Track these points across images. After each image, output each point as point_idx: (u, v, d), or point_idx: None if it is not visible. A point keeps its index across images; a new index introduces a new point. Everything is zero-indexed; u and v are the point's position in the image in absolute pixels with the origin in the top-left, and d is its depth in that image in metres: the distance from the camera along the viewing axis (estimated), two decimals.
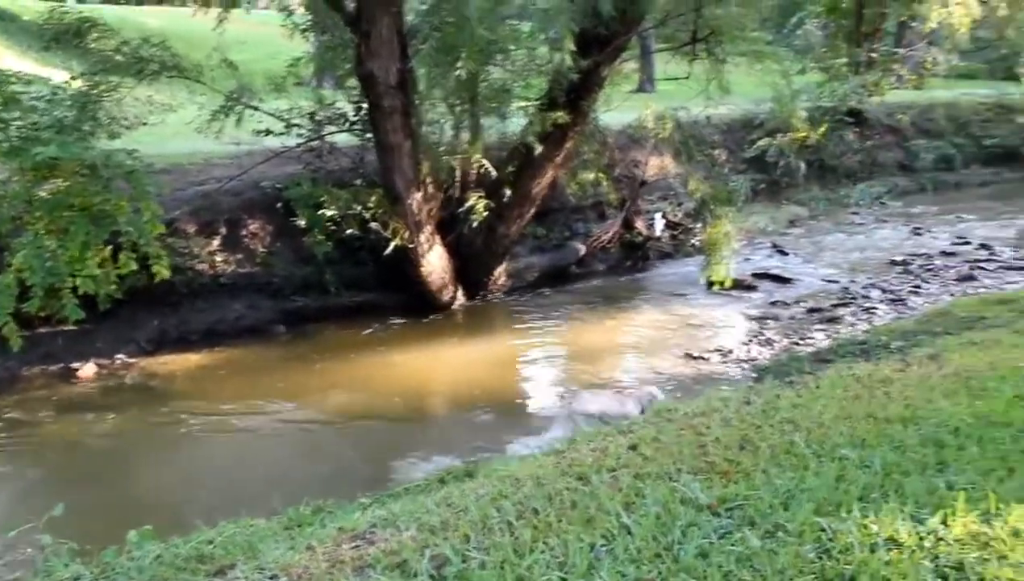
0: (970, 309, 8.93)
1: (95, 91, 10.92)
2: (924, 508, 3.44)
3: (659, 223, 15.69)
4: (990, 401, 4.62)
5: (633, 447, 4.38)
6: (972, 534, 3.25)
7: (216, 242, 11.94)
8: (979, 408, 4.52)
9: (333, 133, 12.88)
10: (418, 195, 11.39)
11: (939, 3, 20.32)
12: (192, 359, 10.97)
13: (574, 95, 11.75)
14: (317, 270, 12.21)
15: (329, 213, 11.58)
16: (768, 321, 12.08)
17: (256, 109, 12.36)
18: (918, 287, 13.54)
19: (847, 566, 3.02)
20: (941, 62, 27.83)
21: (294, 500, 5.61)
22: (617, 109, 14.17)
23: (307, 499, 5.59)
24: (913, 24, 25.36)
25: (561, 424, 8.55)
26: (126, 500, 7.60)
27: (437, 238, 11.98)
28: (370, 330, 11.89)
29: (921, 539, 3.21)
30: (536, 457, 4.65)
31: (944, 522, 3.33)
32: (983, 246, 16.45)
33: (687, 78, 13.37)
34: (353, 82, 12.11)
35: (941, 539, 3.22)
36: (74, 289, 9.82)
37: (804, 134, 20.12)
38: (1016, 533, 3.25)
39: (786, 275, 14.46)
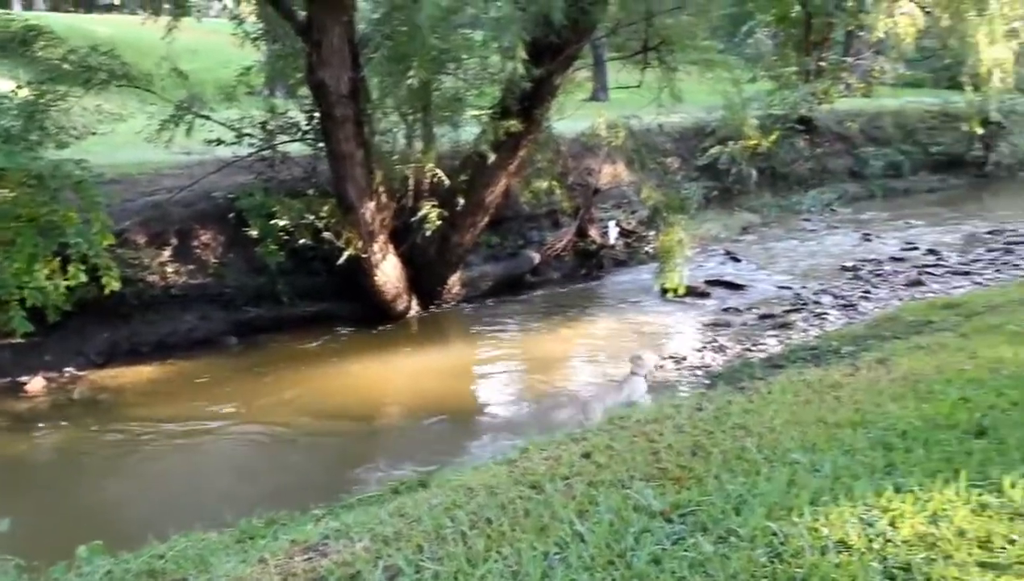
0: (918, 314, 9.04)
1: (42, 100, 10.78)
2: (873, 510, 3.47)
3: (613, 231, 15.75)
4: (936, 404, 4.68)
5: (586, 455, 4.38)
6: (919, 535, 3.28)
7: (167, 253, 11.83)
8: (926, 411, 4.57)
9: (285, 142, 12.81)
10: (371, 204, 11.36)
11: (885, 13, 20.60)
12: (143, 372, 10.85)
13: (527, 104, 11.77)
14: (270, 281, 12.14)
15: (282, 223, 11.53)
16: (721, 328, 12.16)
17: (207, 118, 12.26)
18: (868, 292, 13.70)
19: (798, 569, 3.03)
20: (888, 71, 28.24)
21: (247, 512, 5.56)
22: (570, 117, 14.25)
23: (260, 511, 5.55)
24: (860, 33, 25.71)
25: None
26: (75, 515, 7.49)
27: (391, 247, 11.94)
28: (324, 340, 11.83)
29: (870, 541, 3.24)
30: (489, 466, 4.64)
31: (892, 524, 3.36)
32: (931, 251, 16.70)
33: (639, 86, 13.47)
34: (305, 91, 12.07)
35: (889, 541, 3.24)
36: (22, 301, 9.69)
37: (755, 142, 20.30)
38: (961, 533, 3.29)
39: (739, 282, 14.57)
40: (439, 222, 11.80)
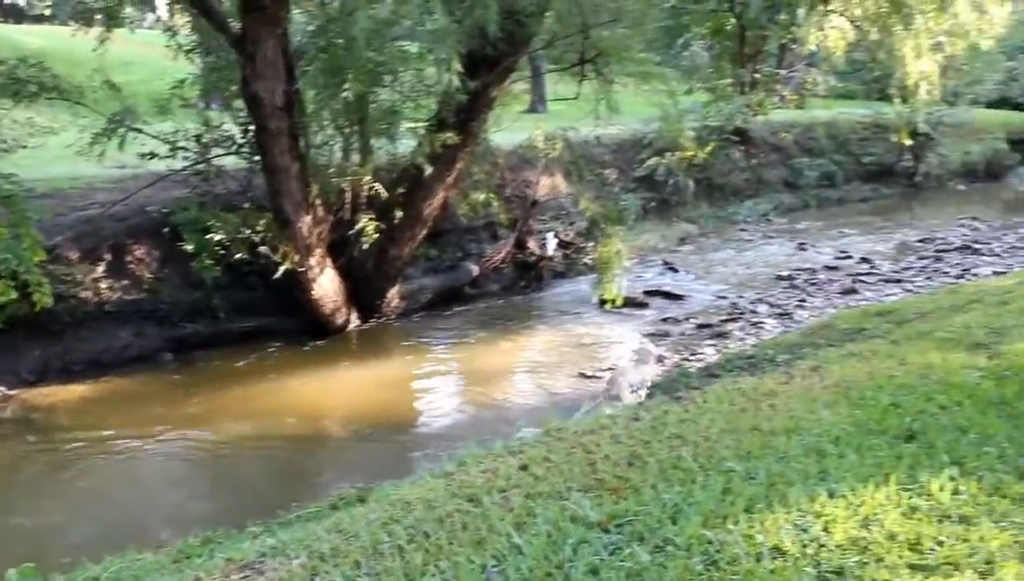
0: (852, 321, 9.17)
1: None
2: (807, 516, 3.51)
3: (551, 243, 15.80)
4: (868, 410, 4.75)
5: (524, 467, 4.38)
6: (852, 539, 3.33)
7: (100, 268, 11.62)
8: (858, 417, 4.64)
9: (220, 156, 12.66)
10: (307, 218, 11.28)
11: (816, 27, 20.96)
12: (77, 390, 10.64)
13: (464, 116, 11.80)
14: (206, 296, 11.99)
15: (217, 237, 11.39)
16: (660, 338, 12.24)
17: (140, 132, 12.09)
18: (803, 301, 13.89)
19: (734, 576, 3.06)
20: (820, 82, 28.71)
21: (183, 531, 5.49)
22: (509, 129, 14.29)
23: (196, 530, 5.47)
24: (793, 46, 26.10)
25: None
26: (6, 537, 7.32)
27: (328, 261, 11.86)
28: (262, 356, 11.70)
29: (804, 546, 3.28)
30: (427, 479, 4.62)
31: (826, 529, 3.41)
32: (864, 260, 17.00)
33: (576, 98, 13.56)
34: (240, 104, 11.94)
35: (823, 546, 3.29)
36: None
37: (692, 153, 20.53)
38: (892, 536, 3.34)
39: (677, 292, 14.69)
40: (377, 235, 11.76)
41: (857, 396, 5.05)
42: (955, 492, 3.71)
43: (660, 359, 10.29)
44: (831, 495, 3.70)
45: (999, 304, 8.04)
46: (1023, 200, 27.05)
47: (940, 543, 3.31)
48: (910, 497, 3.67)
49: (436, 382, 11.11)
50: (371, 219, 11.76)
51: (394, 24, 10.92)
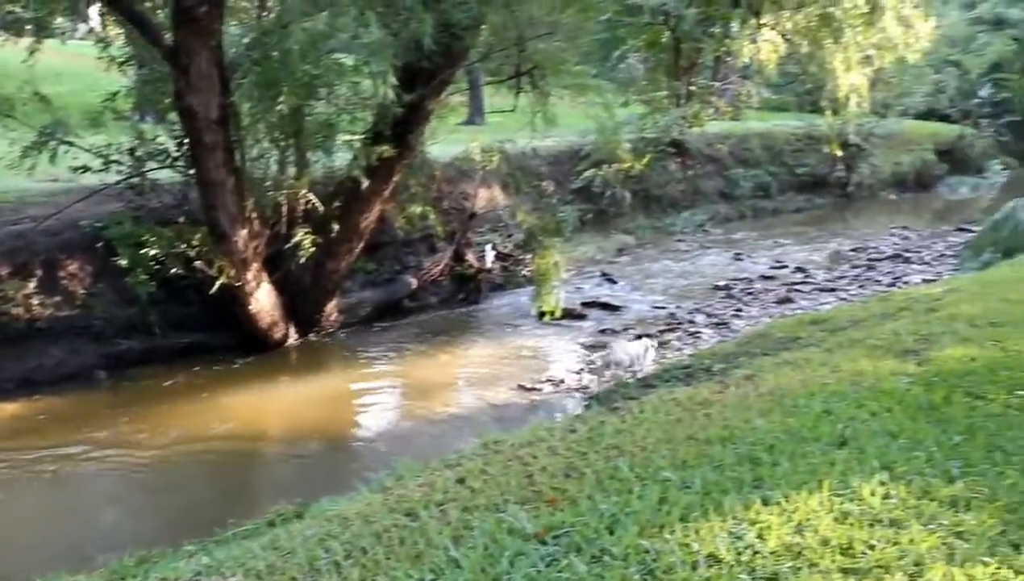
0: (787, 330, 9.28)
1: None
2: (742, 524, 3.55)
3: (489, 255, 15.81)
4: (801, 417, 4.82)
5: (461, 480, 4.39)
6: (786, 545, 3.38)
7: (32, 284, 11.37)
8: (791, 425, 4.71)
9: (155, 169, 12.47)
10: (243, 232, 11.16)
11: (749, 40, 21.25)
12: (7, 409, 10.40)
13: (400, 128, 11.77)
14: (141, 312, 11.78)
15: (152, 252, 11.23)
16: (599, 349, 12.28)
17: (72, 145, 11.86)
18: (740, 311, 14.05)
19: None
20: (754, 95, 29.10)
21: (118, 552, 5.40)
22: (446, 142, 14.31)
23: (131, 550, 5.39)
24: (728, 59, 26.43)
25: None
26: None
27: (265, 275, 11.75)
28: (198, 372, 11.53)
29: (739, 554, 3.32)
30: (364, 494, 4.61)
31: (760, 536, 3.45)
32: (799, 269, 17.26)
33: (513, 111, 13.60)
34: (175, 117, 11.78)
35: (758, 552, 3.33)
36: None
37: (629, 164, 20.67)
38: (825, 541, 3.40)
39: (615, 303, 14.77)
40: (313, 249, 11.69)
41: (790, 404, 5.12)
42: (885, 496, 3.78)
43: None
44: (765, 502, 3.75)
45: (928, 311, 8.19)
46: (952, 209, 27.62)
47: (871, 547, 3.37)
48: (842, 502, 3.74)
49: (375, 396, 11.07)
50: (308, 233, 11.68)
51: (330, 37, 10.87)
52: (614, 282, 16.43)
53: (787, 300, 14.61)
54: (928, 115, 34.78)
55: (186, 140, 11.40)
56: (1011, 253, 14.37)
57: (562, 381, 10.90)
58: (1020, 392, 5.26)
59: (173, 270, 11.32)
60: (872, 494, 3.78)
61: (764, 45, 21.05)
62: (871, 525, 3.54)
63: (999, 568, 3.21)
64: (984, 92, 36.26)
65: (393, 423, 10.11)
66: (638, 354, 9.89)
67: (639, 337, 11.61)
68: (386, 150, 11.61)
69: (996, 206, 19.20)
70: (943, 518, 3.58)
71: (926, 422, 4.72)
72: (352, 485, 7.37)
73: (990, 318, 7.34)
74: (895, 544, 3.38)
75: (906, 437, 4.48)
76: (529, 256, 15.02)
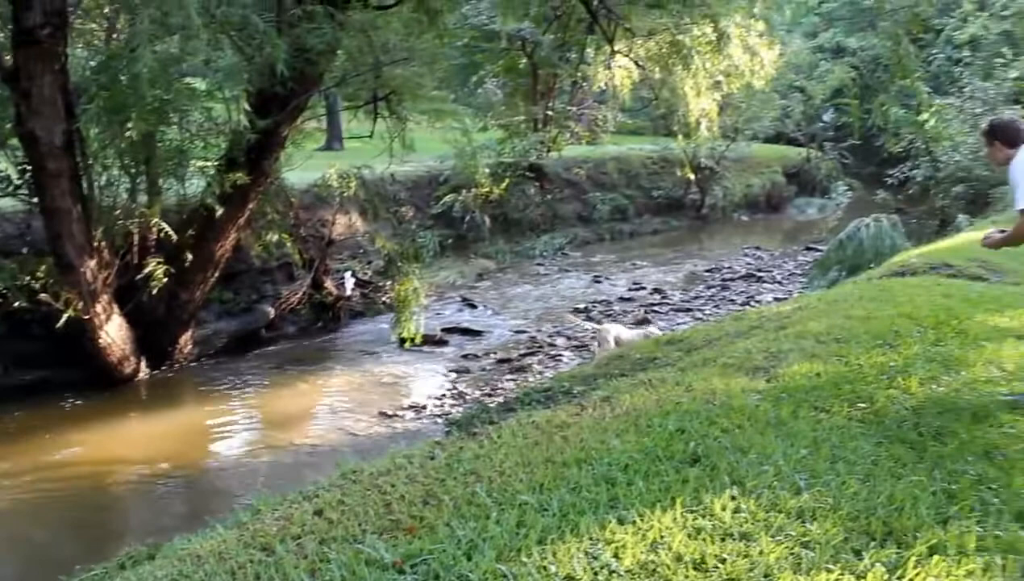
0: (644, 351, 9.43)
1: None
2: (598, 544, 3.59)
3: (349, 282, 15.67)
4: (655, 437, 4.90)
5: (318, 512, 4.31)
6: (641, 563, 3.43)
7: None
8: (646, 444, 4.78)
9: None
10: (92, 263, 10.78)
11: (604, 65, 21.68)
12: None
13: (255, 155, 11.59)
14: None
15: None
16: (460, 374, 12.31)
17: None
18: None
19: None
20: (610, 119, 29.63)
21: None
22: (304, 168, 14.12)
23: None
24: (584, 84, 26.84)
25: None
26: None
27: (115, 307, 11.36)
28: (44, 410, 11.04)
29: (595, 574, 3.35)
30: (219, 531, 4.47)
31: (616, 555, 3.49)
32: (656, 290, 17.64)
33: (371, 136, 13.54)
34: (16, 142, 11.34)
35: (614, 572, 3.37)
36: None
37: (488, 189, 20.81)
38: (679, 558, 3.46)
39: (476, 328, 14.82)
40: (166, 279, 11.38)
41: (645, 424, 5.20)
42: (736, 511, 3.87)
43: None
44: (621, 522, 3.79)
45: (777, 329, 8.44)
46: (801, 229, 28.72)
47: (723, 560, 3.45)
48: (695, 518, 3.81)
49: (232, 429, 10.80)
50: (160, 262, 11.37)
51: (181, 61, 10.66)
52: (475, 307, 16.48)
53: (645, 321, 14.83)
54: (776, 139, 36.13)
55: (29, 167, 10.96)
56: (856, 270, 14.99)
57: (423, 407, 10.87)
58: (862, 405, 5.48)
59: (17, 303, 10.84)
60: (723, 509, 3.86)
61: (618, 71, 21.50)
62: (723, 539, 3.62)
63: (842, 574, 3.33)
64: (827, 117, 37.95)
65: (251, 456, 9.87)
66: (630, 339, 9.90)
67: (640, 322, 11.63)
68: (240, 177, 11.41)
69: (841, 226, 20.01)
70: (790, 529, 3.68)
71: (774, 437, 4.85)
72: (207, 522, 7.18)
73: (835, 334, 7.61)
74: (746, 557, 3.46)
75: (756, 452, 4.60)
76: (389, 282, 14.94)
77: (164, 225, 11.53)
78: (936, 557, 3.47)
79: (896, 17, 14.67)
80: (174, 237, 11.55)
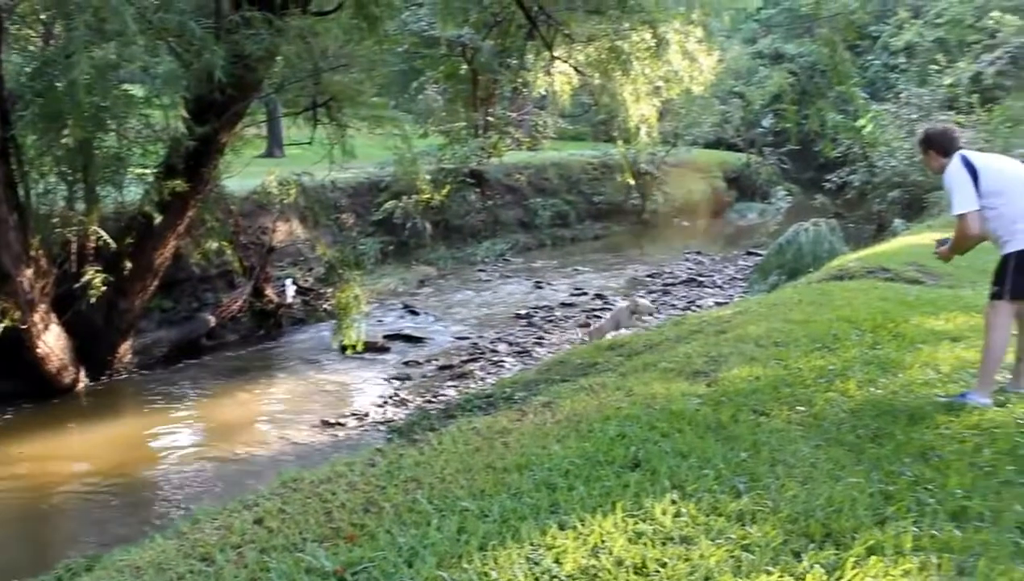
0: (585, 356, 9.49)
1: None
2: (539, 549, 3.62)
3: (290, 289, 15.57)
4: (596, 441, 4.94)
5: (259, 521, 4.30)
6: (582, 568, 3.46)
7: None
8: (587, 449, 4.82)
9: None
10: (29, 271, 10.61)
11: (543, 71, 21.76)
12: None
13: (194, 162, 11.48)
14: None
15: None
16: (402, 381, 12.27)
17: None
18: (541, 338, 14.30)
19: None
20: (551, 125, 29.78)
21: None
22: (244, 175, 14.01)
23: None
24: (524, 90, 26.92)
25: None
26: None
27: (53, 317, 11.18)
28: None
29: (537, 579, 3.38)
30: (158, 542, 4.43)
31: (557, 560, 3.52)
32: (598, 296, 17.72)
33: (311, 143, 13.47)
34: None
35: (555, 577, 3.40)
36: None
37: (429, 195, 20.80)
38: (620, 562, 3.50)
39: (418, 334, 14.77)
40: (105, 288, 11.20)
41: (586, 429, 5.24)
42: (676, 515, 3.92)
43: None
44: (562, 527, 3.82)
45: (718, 334, 8.54)
46: (741, 234, 29.04)
47: (664, 564, 3.49)
48: (635, 523, 3.85)
49: (173, 439, 10.65)
50: (98, 271, 11.19)
51: (118, 67, 10.52)
52: (416, 313, 16.43)
53: (587, 326, 14.97)
54: (716, 144, 36.57)
55: None
56: (795, 274, 15.22)
57: (366, 415, 10.82)
58: (801, 408, 5.57)
59: None
60: (664, 513, 3.91)
61: (558, 77, 21.56)
62: (663, 543, 3.66)
63: (781, 576, 3.38)
64: (767, 122, 38.42)
65: (191, 466, 9.74)
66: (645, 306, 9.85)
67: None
68: (179, 184, 11.28)
69: (781, 230, 20.32)
70: (730, 532, 3.73)
71: (714, 440, 4.92)
72: (147, 533, 7.11)
73: (774, 338, 7.72)
74: (686, 560, 3.50)
75: (696, 456, 4.65)
76: (330, 290, 14.84)
77: (102, 233, 11.37)
78: (874, 557, 3.54)
79: (833, 24, 14.91)
80: (113, 245, 11.39)
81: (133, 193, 12.14)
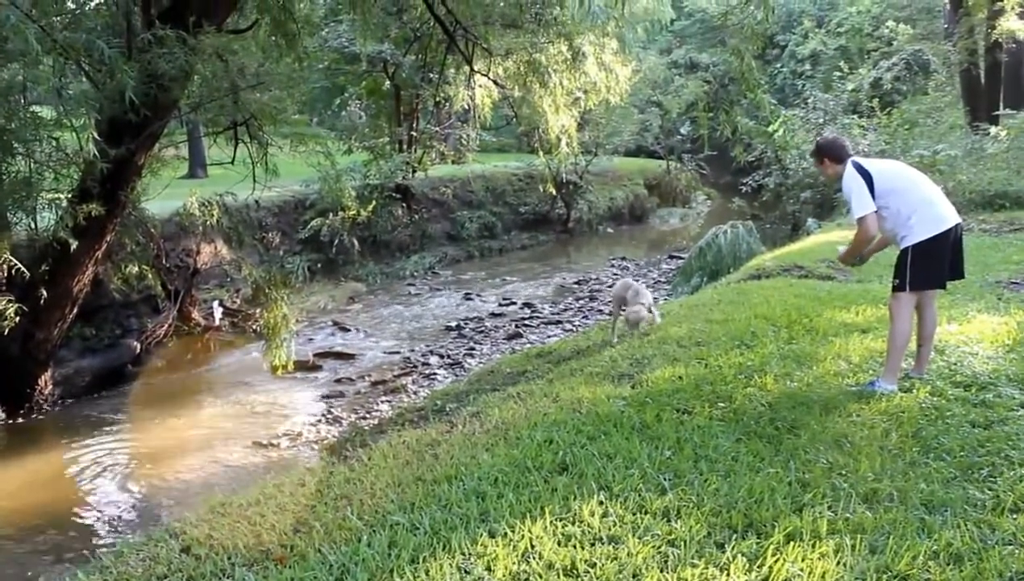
0: (515, 365, 9.52)
1: None
2: (471, 558, 3.62)
3: (217, 312, 15.38)
4: (524, 448, 4.96)
5: (185, 549, 4.23)
6: (513, 574, 3.47)
7: None
8: (515, 456, 4.83)
9: None
10: None
11: (464, 85, 21.82)
12: None
13: (110, 185, 11.24)
14: None
15: None
16: (335, 399, 12.19)
17: None
18: (472, 349, 14.31)
19: None
20: (474, 138, 29.84)
21: None
22: (166, 197, 13.79)
23: None
24: (447, 104, 26.95)
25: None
26: None
27: None
28: None
29: None
30: (79, 579, 4.31)
31: (489, 568, 3.53)
32: (527, 305, 17.79)
33: (232, 163, 13.31)
34: None
35: None
36: None
37: (355, 212, 20.71)
38: (550, 565, 3.51)
39: (349, 351, 14.70)
40: (19, 318, 10.92)
41: (514, 436, 5.25)
42: (604, 515, 3.95)
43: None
44: (492, 535, 3.83)
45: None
46: (664, 239, 29.38)
47: (593, 565, 3.51)
48: (564, 526, 3.87)
49: (99, 471, 10.40)
50: (11, 301, 10.91)
51: (25, 89, 10.30)
52: (347, 330, 16.34)
53: (516, 335, 15.03)
54: (637, 152, 37.06)
55: None
56: (716, 275, 15.46)
57: (299, 434, 10.73)
58: (722, 404, 5.66)
59: None
60: (592, 514, 3.93)
61: (479, 90, 21.63)
62: (592, 544, 3.69)
63: (707, 568, 3.45)
64: (684, 129, 39.14)
65: (119, 498, 9.53)
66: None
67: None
68: (95, 208, 11.04)
69: (702, 234, 20.57)
70: (656, 529, 3.78)
71: (639, 441, 4.96)
72: (69, 569, 6.94)
73: (696, 338, 7.83)
74: (614, 559, 3.53)
75: (622, 457, 4.69)
76: (258, 310, 14.67)
77: (14, 261, 11.09)
78: (792, 543, 3.63)
79: (741, 34, 15.18)
80: (26, 273, 11.11)
81: (47, 219, 11.86)
